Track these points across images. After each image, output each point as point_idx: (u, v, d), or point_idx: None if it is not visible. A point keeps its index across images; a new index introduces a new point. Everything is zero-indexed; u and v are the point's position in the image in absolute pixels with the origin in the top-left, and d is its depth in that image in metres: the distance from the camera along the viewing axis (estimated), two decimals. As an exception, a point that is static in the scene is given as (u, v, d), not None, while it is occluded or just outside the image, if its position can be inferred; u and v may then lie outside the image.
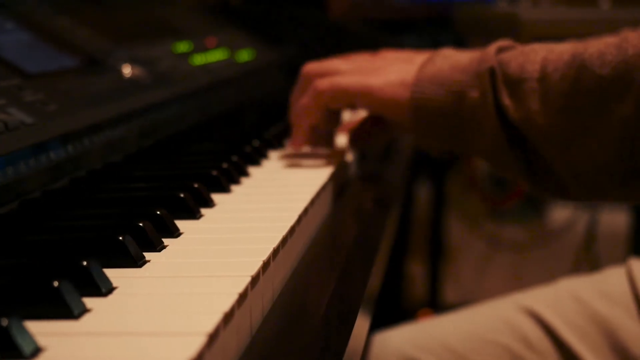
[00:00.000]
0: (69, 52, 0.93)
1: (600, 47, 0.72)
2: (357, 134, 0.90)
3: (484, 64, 0.76)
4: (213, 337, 0.43)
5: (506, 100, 0.74)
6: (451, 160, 2.40)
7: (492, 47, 0.78)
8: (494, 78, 0.75)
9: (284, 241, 0.60)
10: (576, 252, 2.40)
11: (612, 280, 0.95)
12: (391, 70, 0.82)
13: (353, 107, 0.86)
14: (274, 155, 0.89)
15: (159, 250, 0.57)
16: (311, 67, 0.89)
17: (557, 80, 0.73)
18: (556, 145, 0.73)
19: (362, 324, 0.60)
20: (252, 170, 0.82)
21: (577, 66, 0.72)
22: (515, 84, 0.74)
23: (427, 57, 0.82)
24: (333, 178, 0.81)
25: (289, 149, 0.90)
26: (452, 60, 0.80)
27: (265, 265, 0.54)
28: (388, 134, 0.91)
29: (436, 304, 2.29)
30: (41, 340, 0.42)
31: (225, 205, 0.70)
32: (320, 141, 0.88)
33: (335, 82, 0.83)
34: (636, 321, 0.90)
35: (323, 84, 0.83)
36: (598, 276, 0.98)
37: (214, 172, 0.74)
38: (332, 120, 0.88)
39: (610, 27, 1.04)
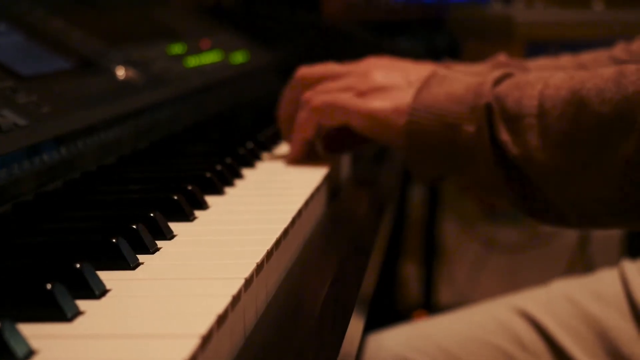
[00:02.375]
0: (62, 54, 0.92)
1: (597, 83, 0.70)
2: (335, 139, 0.88)
3: (481, 98, 0.75)
4: (206, 339, 0.43)
5: (504, 136, 0.73)
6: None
7: (489, 79, 0.77)
8: (490, 113, 0.74)
9: (278, 243, 0.60)
10: (570, 253, 2.41)
11: (605, 282, 0.96)
12: (387, 92, 0.81)
13: (344, 125, 0.84)
14: (267, 157, 0.89)
15: (153, 253, 0.57)
16: (305, 72, 0.88)
17: (556, 117, 0.71)
18: (556, 181, 0.72)
19: (356, 325, 0.60)
20: (246, 172, 0.82)
21: (575, 103, 0.71)
22: (513, 120, 0.73)
23: (424, 81, 0.80)
24: (327, 180, 0.81)
25: (281, 150, 0.89)
26: (448, 88, 0.78)
27: (259, 267, 0.54)
28: (369, 143, 0.88)
29: (431, 305, 2.29)
30: (34, 343, 0.42)
31: (219, 207, 0.70)
32: (310, 151, 0.87)
33: (331, 99, 0.83)
34: (629, 322, 0.90)
35: (319, 101, 0.83)
36: (591, 278, 0.98)
37: (208, 174, 0.74)
38: (321, 132, 0.88)
39: (603, 28, 1.04)
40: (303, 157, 0.86)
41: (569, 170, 0.71)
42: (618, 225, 0.77)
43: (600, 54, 0.97)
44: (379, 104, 0.80)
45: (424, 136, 0.77)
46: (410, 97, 0.78)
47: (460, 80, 0.79)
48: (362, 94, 0.82)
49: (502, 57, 0.95)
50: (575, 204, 0.73)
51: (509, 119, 0.73)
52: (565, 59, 0.98)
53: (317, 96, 0.83)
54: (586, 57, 0.97)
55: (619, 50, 0.96)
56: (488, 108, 0.74)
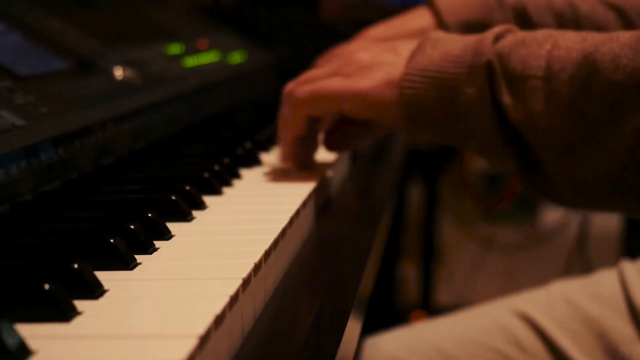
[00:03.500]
0: (60, 54, 0.92)
1: (612, 48, 0.65)
2: (334, 137, 0.84)
3: (480, 56, 0.70)
4: (204, 340, 0.43)
5: (506, 98, 0.68)
6: (444, 161, 2.40)
7: (489, 35, 0.71)
8: (491, 73, 0.69)
9: (276, 243, 0.60)
10: (568, 253, 2.41)
11: (603, 282, 0.95)
12: (376, 68, 0.75)
13: (336, 113, 0.79)
14: (265, 157, 0.89)
15: (151, 253, 0.57)
16: (290, 84, 0.81)
17: (564, 81, 0.66)
18: (557, 150, 0.68)
19: (353, 327, 0.60)
20: (244, 172, 0.82)
21: (587, 68, 0.65)
22: (516, 80, 0.68)
23: (417, 45, 0.74)
24: (325, 180, 0.81)
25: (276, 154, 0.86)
26: (443, 48, 0.73)
27: (257, 267, 0.54)
28: (370, 135, 0.85)
29: (429, 306, 2.29)
30: (32, 343, 0.42)
31: (217, 208, 0.70)
32: (308, 150, 0.83)
33: (315, 88, 0.77)
34: (627, 323, 0.90)
35: (302, 91, 0.77)
36: (589, 278, 0.98)
37: (206, 174, 0.74)
38: (315, 128, 0.82)
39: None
40: (296, 157, 0.81)
41: (573, 140, 0.66)
42: (613, 208, 0.72)
43: None
44: (368, 81, 0.75)
45: (420, 103, 0.72)
46: (403, 66, 0.73)
47: (456, 40, 0.74)
48: (349, 75, 0.76)
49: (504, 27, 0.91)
50: (573, 178, 0.68)
51: (512, 79, 0.68)
52: None
53: (300, 87, 0.78)
54: None
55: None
56: (489, 67, 0.69)
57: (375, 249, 0.78)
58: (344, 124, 0.82)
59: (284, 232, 0.62)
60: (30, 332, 0.42)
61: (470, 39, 0.72)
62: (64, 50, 0.94)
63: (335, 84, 0.76)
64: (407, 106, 0.72)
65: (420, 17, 1.00)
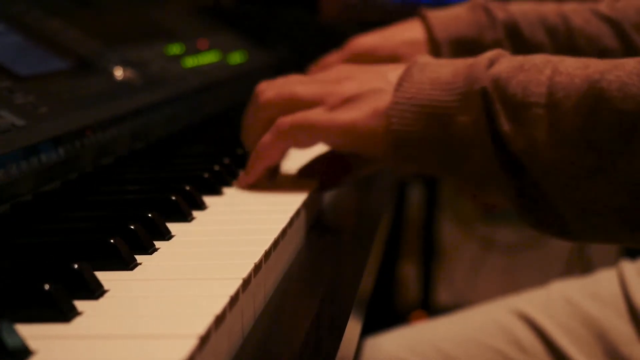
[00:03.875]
0: (60, 55, 0.92)
1: (620, 76, 0.61)
2: (326, 176, 0.78)
3: (475, 82, 0.65)
4: (204, 340, 0.43)
5: (505, 126, 0.64)
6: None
7: (482, 60, 0.67)
8: (487, 100, 0.65)
9: (276, 244, 0.60)
10: (568, 254, 2.41)
11: (603, 283, 0.96)
12: (363, 98, 0.71)
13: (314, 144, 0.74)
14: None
15: (151, 253, 0.57)
16: (265, 88, 0.76)
17: (569, 110, 0.62)
18: (562, 182, 0.63)
19: (353, 327, 0.60)
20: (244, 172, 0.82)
21: (594, 96, 0.61)
22: (517, 108, 0.64)
23: (403, 71, 0.70)
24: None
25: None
26: (432, 75, 0.68)
27: (257, 267, 0.54)
28: (363, 168, 0.78)
29: (429, 306, 2.29)
30: (32, 344, 0.42)
31: (217, 208, 0.70)
32: (271, 176, 0.77)
33: (300, 120, 0.72)
34: (627, 323, 0.90)
35: (286, 122, 0.72)
36: (589, 279, 0.98)
37: (206, 175, 0.74)
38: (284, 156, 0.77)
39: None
40: (259, 183, 0.75)
41: (580, 171, 0.62)
42: (624, 240, 0.68)
43: (583, 6, 0.96)
44: (355, 113, 0.70)
45: (409, 133, 0.68)
46: (390, 95, 0.69)
47: (445, 65, 0.70)
48: (333, 106, 0.71)
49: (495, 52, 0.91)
50: (580, 211, 0.64)
51: (512, 106, 0.64)
52: (548, 6, 0.98)
53: (284, 118, 0.72)
54: (569, 6, 0.97)
55: (604, 5, 0.96)
56: (484, 93, 0.65)
57: (375, 249, 0.78)
58: (335, 158, 0.77)
59: (284, 233, 0.62)
60: (30, 333, 0.42)
61: (461, 64, 0.69)
62: (64, 50, 0.94)
63: (319, 116, 0.72)
64: (394, 137, 0.68)
65: (412, 29, 1.00)
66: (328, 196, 0.81)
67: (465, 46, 0.95)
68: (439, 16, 0.97)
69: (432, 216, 2.32)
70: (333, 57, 1.01)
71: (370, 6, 2.12)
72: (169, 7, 1.45)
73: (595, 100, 0.61)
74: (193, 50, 1.23)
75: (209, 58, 1.26)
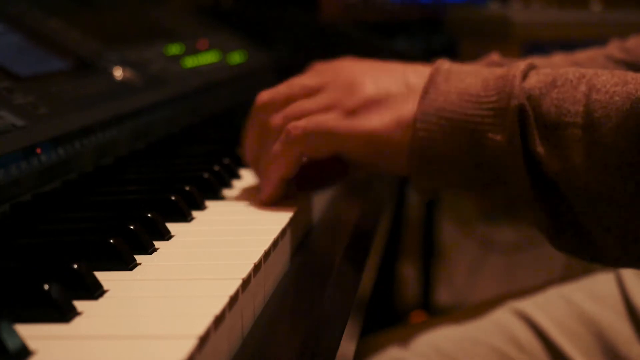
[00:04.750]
0: (60, 55, 0.92)
1: None
2: (306, 176, 0.73)
3: (510, 98, 0.60)
4: (204, 340, 0.43)
5: (539, 147, 0.59)
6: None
7: (516, 73, 0.62)
8: (523, 118, 0.60)
9: (275, 244, 0.60)
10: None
11: (601, 283, 0.96)
12: (384, 104, 0.65)
13: (330, 154, 0.68)
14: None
15: (150, 253, 0.57)
16: (268, 97, 0.71)
17: (609, 131, 0.57)
18: (601, 208, 0.59)
19: (353, 326, 0.60)
20: (244, 172, 0.82)
21: (637, 116, 0.56)
22: (550, 127, 0.59)
23: (427, 78, 0.65)
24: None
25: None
26: (459, 84, 0.63)
27: (256, 268, 0.54)
28: (360, 171, 0.74)
29: (429, 306, 2.29)
30: (32, 344, 0.42)
31: (217, 208, 0.70)
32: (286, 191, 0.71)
33: (315, 125, 0.66)
34: (626, 323, 0.90)
35: (298, 128, 0.66)
36: (588, 278, 0.98)
37: (206, 175, 0.74)
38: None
39: (600, 28, 1.04)
40: (279, 198, 0.70)
41: (620, 198, 0.58)
42: None
43: (595, 53, 0.95)
44: (377, 121, 0.65)
45: (437, 147, 0.62)
46: (415, 103, 0.64)
47: (471, 74, 0.64)
48: (351, 111, 0.66)
49: (495, 57, 0.86)
50: (620, 238, 0.59)
51: (546, 126, 0.59)
52: (559, 58, 0.97)
53: (296, 123, 0.67)
54: (581, 55, 0.95)
55: (614, 48, 0.95)
56: (521, 111, 0.60)
57: (375, 248, 0.78)
58: (320, 162, 0.71)
59: (283, 233, 0.62)
60: (30, 333, 0.42)
61: (489, 74, 0.63)
62: (63, 50, 0.94)
63: (337, 122, 0.66)
64: (420, 150, 0.63)
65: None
66: (330, 195, 0.81)
67: None
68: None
69: (431, 216, 2.32)
70: None
71: (370, 6, 2.12)
72: (168, 7, 1.45)
73: (638, 120, 0.57)
74: (193, 51, 1.23)
75: (208, 58, 1.26)
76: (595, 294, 0.94)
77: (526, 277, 2.39)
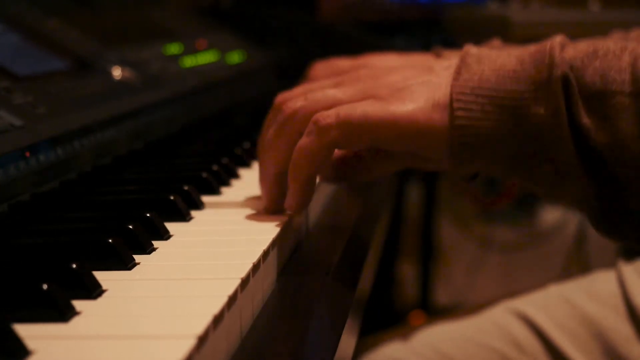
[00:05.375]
0: (58, 54, 0.92)
1: None
2: (340, 167, 0.70)
3: (551, 69, 0.58)
4: (203, 340, 0.43)
5: (584, 119, 0.57)
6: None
7: (554, 45, 0.59)
8: (567, 89, 0.57)
9: (274, 244, 0.60)
10: (567, 253, 2.41)
11: (601, 283, 0.96)
12: (416, 89, 0.62)
13: (365, 146, 0.64)
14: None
15: (149, 253, 0.57)
16: (289, 97, 0.67)
17: None
18: None
19: (352, 326, 0.60)
20: (242, 172, 0.82)
21: None
22: (597, 98, 0.57)
23: (458, 61, 0.63)
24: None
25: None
26: (492, 65, 0.61)
27: (255, 267, 0.54)
28: (392, 165, 0.71)
29: (427, 306, 2.29)
30: (30, 344, 0.42)
31: (216, 208, 0.70)
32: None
33: (349, 113, 0.61)
34: (626, 323, 0.90)
35: (329, 117, 0.61)
36: (588, 278, 0.98)
37: (204, 175, 0.74)
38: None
39: (600, 28, 1.04)
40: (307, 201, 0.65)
41: None
42: None
43: None
44: (411, 104, 0.61)
45: (478, 127, 0.59)
46: (448, 86, 0.61)
47: (503, 55, 0.62)
48: (384, 98, 0.62)
49: (496, 43, 0.85)
50: None
51: (591, 96, 0.57)
52: None
53: (325, 113, 0.62)
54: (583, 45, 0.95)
55: (616, 39, 0.95)
56: (565, 80, 0.57)
57: (374, 249, 0.78)
58: (349, 160, 0.69)
59: (282, 232, 0.62)
60: (28, 332, 0.42)
61: (522, 51, 0.61)
62: (62, 50, 0.94)
63: (371, 108, 0.61)
64: (461, 132, 0.60)
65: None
66: (329, 194, 0.81)
67: None
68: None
69: (430, 216, 2.32)
70: (342, 61, 0.98)
71: (369, 6, 2.12)
72: (167, 7, 1.45)
73: None
74: (191, 50, 1.23)
75: (207, 58, 1.26)
76: (596, 294, 0.94)
77: (525, 277, 2.39)
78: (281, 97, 0.67)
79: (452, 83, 0.61)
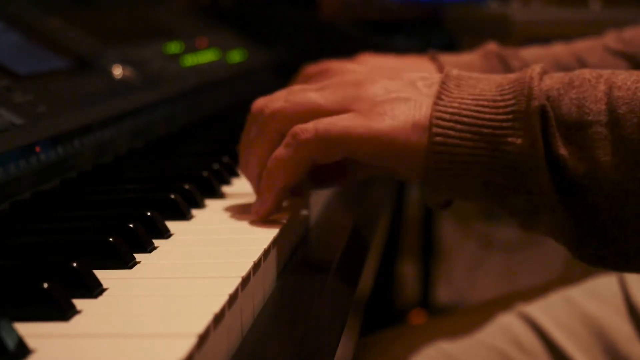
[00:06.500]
0: (59, 53, 0.92)
1: None
2: (316, 173, 0.69)
3: (530, 99, 0.58)
4: (203, 338, 0.43)
5: (562, 150, 0.57)
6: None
7: (533, 75, 0.60)
8: (545, 120, 0.57)
9: (275, 242, 0.60)
10: (567, 252, 2.41)
11: (602, 281, 0.96)
12: (397, 105, 0.61)
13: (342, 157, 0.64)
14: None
15: (150, 252, 0.57)
16: (268, 100, 0.66)
17: (635, 127, 0.56)
18: (632, 210, 0.56)
19: (353, 326, 0.60)
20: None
21: None
22: (573, 128, 0.57)
23: (438, 83, 0.62)
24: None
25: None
26: (471, 89, 0.61)
27: (256, 266, 0.54)
28: (359, 173, 0.72)
29: (428, 305, 2.29)
30: (31, 342, 0.42)
31: (217, 207, 0.70)
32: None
33: (328, 127, 0.61)
34: (627, 322, 0.90)
35: (307, 132, 0.61)
36: (589, 277, 0.98)
37: (205, 174, 0.74)
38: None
39: (600, 27, 1.04)
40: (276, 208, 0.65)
41: None
42: None
43: (594, 43, 0.96)
44: (391, 121, 0.61)
45: (454, 153, 0.59)
46: (428, 108, 0.61)
47: (482, 80, 0.62)
48: (364, 113, 0.62)
49: (492, 46, 0.86)
50: None
51: (569, 127, 0.57)
52: (559, 47, 0.97)
53: (305, 127, 0.62)
54: (580, 45, 0.96)
55: (611, 39, 0.95)
56: (543, 112, 0.58)
57: (375, 247, 0.78)
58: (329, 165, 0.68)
59: (283, 231, 0.62)
60: (29, 331, 0.42)
61: (502, 79, 0.61)
62: (62, 49, 0.94)
63: (351, 123, 0.61)
64: (438, 157, 0.59)
65: (423, 67, 0.96)
66: (329, 193, 0.81)
67: None
68: (451, 61, 0.94)
69: (431, 214, 2.32)
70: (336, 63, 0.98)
71: (370, 5, 2.12)
72: (167, 6, 1.45)
73: None
74: (192, 49, 1.23)
75: (208, 57, 1.26)
76: (596, 293, 0.94)
77: (526, 275, 2.39)
78: (261, 100, 0.67)
79: (432, 107, 0.60)
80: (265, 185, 0.64)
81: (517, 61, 0.96)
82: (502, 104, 0.59)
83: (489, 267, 2.55)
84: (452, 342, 0.94)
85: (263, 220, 0.64)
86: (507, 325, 0.94)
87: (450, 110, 0.60)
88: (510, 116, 0.58)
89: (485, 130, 0.59)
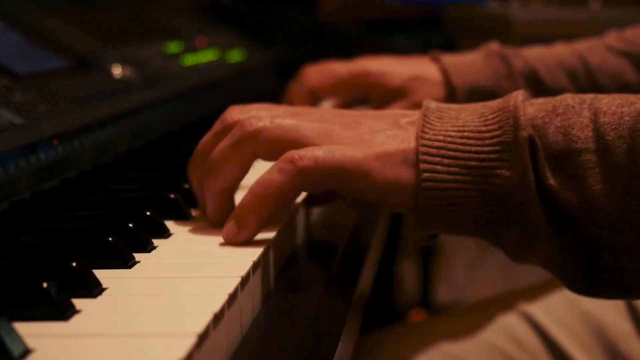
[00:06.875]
0: (59, 53, 0.92)
1: None
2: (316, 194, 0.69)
3: (518, 131, 0.56)
4: (203, 338, 0.43)
5: (551, 180, 0.56)
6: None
7: (517, 103, 0.58)
8: (534, 151, 0.56)
9: (275, 241, 0.60)
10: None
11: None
12: (384, 140, 0.60)
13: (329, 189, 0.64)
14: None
15: (149, 251, 0.57)
16: (237, 113, 0.65)
17: (625, 152, 0.55)
18: (626, 237, 0.55)
19: (352, 324, 0.60)
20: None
21: None
22: (562, 157, 0.56)
23: (420, 118, 0.60)
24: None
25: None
26: (454, 121, 0.59)
27: (256, 265, 0.54)
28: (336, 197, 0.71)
29: (428, 304, 2.29)
30: (30, 342, 0.42)
31: (216, 206, 0.70)
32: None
33: (326, 157, 0.58)
34: (626, 320, 0.90)
35: (307, 159, 0.58)
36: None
37: (205, 173, 0.74)
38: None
39: (600, 27, 1.04)
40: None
41: None
42: None
43: (595, 42, 0.96)
44: (379, 157, 0.59)
45: (444, 190, 0.57)
46: (413, 143, 0.59)
47: (463, 110, 0.60)
48: (352, 145, 0.60)
49: (494, 45, 0.86)
50: None
51: (556, 156, 0.56)
52: (561, 47, 0.98)
53: (300, 154, 0.59)
54: (582, 45, 0.96)
55: (612, 39, 0.96)
56: (532, 142, 0.56)
57: (374, 246, 0.78)
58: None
59: (283, 230, 0.62)
60: (28, 331, 0.42)
61: (483, 108, 0.60)
62: (62, 48, 0.94)
63: (349, 153, 0.59)
64: (428, 194, 0.58)
65: (425, 67, 0.95)
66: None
67: (482, 95, 0.90)
68: (454, 61, 0.94)
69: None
70: (337, 65, 0.98)
71: (369, 5, 2.12)
72: (167, 5, 1.45)
73: None
74: (192, 49, 1.23)
75: (207, 56, 1.26)
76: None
77: (526, 274, 2.38)
78: (237, 111, 0.65)
79: (418, 141, 0.59)
80: (250, 209, 0.59)
81: (519, 61, 0.96)
82: (487, 134, 0.57)
83: (489, 266, 2.55)
84: (452, 341, 0.94)
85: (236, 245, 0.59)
86: (507, 324, 0.94)
87: (437, 144, 0.58)
88: (497, 147, 0.57)
89: (472, 163, 0.57)
